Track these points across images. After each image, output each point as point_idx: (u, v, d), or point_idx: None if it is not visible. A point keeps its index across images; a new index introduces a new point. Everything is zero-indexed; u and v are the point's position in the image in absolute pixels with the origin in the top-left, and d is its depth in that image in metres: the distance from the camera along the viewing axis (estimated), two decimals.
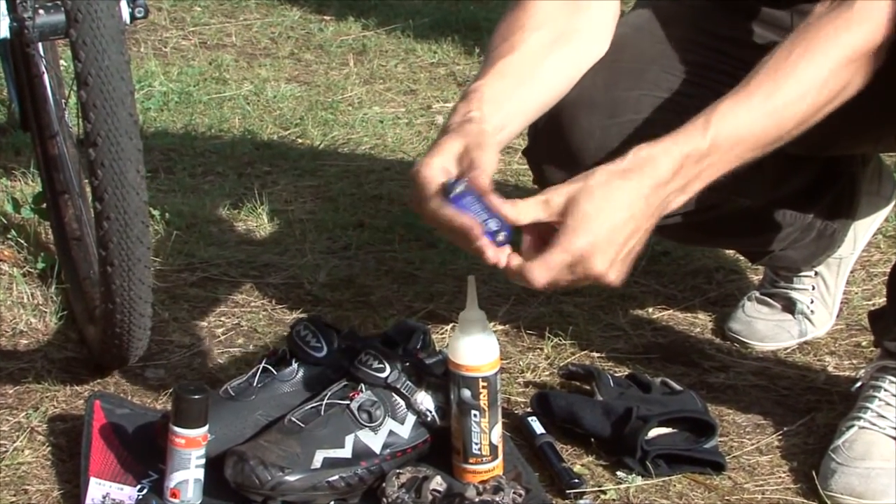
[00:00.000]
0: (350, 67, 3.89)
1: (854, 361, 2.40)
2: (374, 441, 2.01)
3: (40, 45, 2.50)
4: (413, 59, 3.96)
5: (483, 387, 2.00)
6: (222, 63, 3.89)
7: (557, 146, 2.13)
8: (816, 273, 2.47)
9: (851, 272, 2.57)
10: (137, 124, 2.01)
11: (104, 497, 1.95)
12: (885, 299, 2.19)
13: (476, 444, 2.01)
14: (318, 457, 1.97)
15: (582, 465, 2.11)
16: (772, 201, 2.33)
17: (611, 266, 1.80)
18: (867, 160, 2.44)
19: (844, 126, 2.22)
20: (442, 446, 2.06)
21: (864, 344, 2.44)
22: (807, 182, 2.36)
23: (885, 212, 2.53)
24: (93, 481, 1.97)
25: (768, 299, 2.49)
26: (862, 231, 2.49)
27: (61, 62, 2.75)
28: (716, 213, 2.20)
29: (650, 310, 2.59)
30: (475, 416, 2.00)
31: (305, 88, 3.73)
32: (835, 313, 2.51)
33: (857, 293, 2.62)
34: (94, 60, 1.96)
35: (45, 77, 2.55)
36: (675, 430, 2.14)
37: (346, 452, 1.99)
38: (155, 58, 3.89)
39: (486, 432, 2.01)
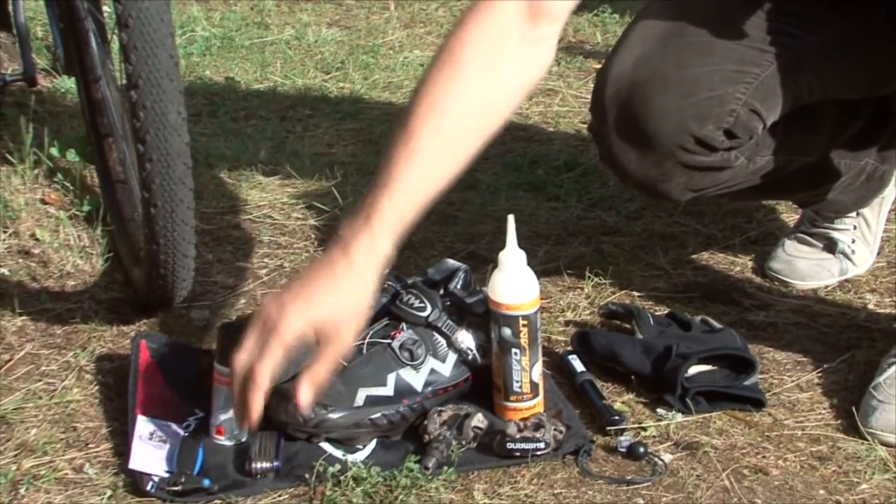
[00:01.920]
0: (391, 11, 3.87)
1: (894, 299, 2.38)
2: (416, 379, 2.01)
3: None
4: (453, 3, 3.94)
5: (523, 325, 2.00)
6: (264, 8, 3.88)
7: (630, 127, 2.10)
8: (858, 213, 2.45)
9: (891, 210, 2.55)
10: (178, 66, 2.01)
11: (151, 434, 1.96)
12: None
13: (517, 381, 2.01)
14: (361, 395, 1.98)
15: (622, 403, 2.10)
16: (830, 152, 2.32)
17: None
18: None
19: (894, 67, 2.20)
20: (483, 384, 2.06)
21: None
22: (859, 127, 2.33)
23: None
24: (140, 418, 1.98)
25: (809, 238, 2.47)
26: None
27: (105, 8, 2.74)
28: (782, 174, 2.18)
29: (690, 249, 2.57)
30: (516, 354, 2.00)
31: (346, 33, 3.72)
32: (875, 251, 2.50)
33: None
34: (134, 3, 1.96)
35: (88, 21, 2.55)
36: (714, 368, 2.13)
37: (388, 390, 2.00)
38: (197, 3, 3.89)
39: (527, 370, 2.01)
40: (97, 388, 2.14)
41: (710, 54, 2.04)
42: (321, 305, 1.72)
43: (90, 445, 2.01)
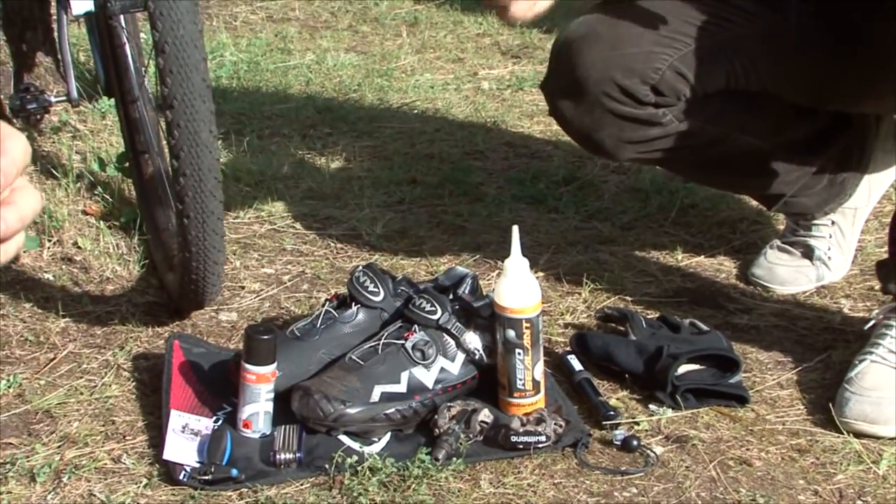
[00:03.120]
0: (403, 38, 3.87)
1: (867, 304, 2.37)
2: (427, 377, 2.00)
3: (122, 17, 2.49)
4: (461, 31, 3.93)
5: (526, 327, 1.99)
6: (287, 35, 3.87)
7: (565, 77, 2.16)
8: (833, 222, 2.45)
9: (866, 222, 2.54)
10: (210, 88, 2.01)
11: (184, 427, 1.95)
12: (888, 248, 2.16)
13: (520, 379, 2.00)
14: (377, 391, 1.97)
15: (617, 399, 2.09)
16: (777, 146, 2.32)
17: None
18: (880, 120, 2.41)
19: (841, 84, 2.21)
20: (489, 382, 2.05)
21: (876, 288, 2.40)
22: (812, 131, 2.34)
23: None
24: (173, 413, 1.98)
25: (788, 247, 2.46)
26: (877, 184, 2.46)
27: (142, 35, 2.74)
28: (723, 149, 2.18)
29: (679, 257, 2.56)
30: (519, 354, 1.99)
31: (363, 57, 3.71)
32: (850, 259, 2.48)
33: (870, 241, 2.58)
34: (170, 30, 1.96)
35: (127, 47, 2.54)
36: (702, 367, 2.12)
37: (401, 387, 1.99)
38: (226, 30, 3.88)
39: (530, 369, 2.00)
40: (134, 384, 2.13)
41: (644, 21, 2.08)
42: None
43: (127, 437, 2.00)
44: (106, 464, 1.93)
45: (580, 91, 2.14)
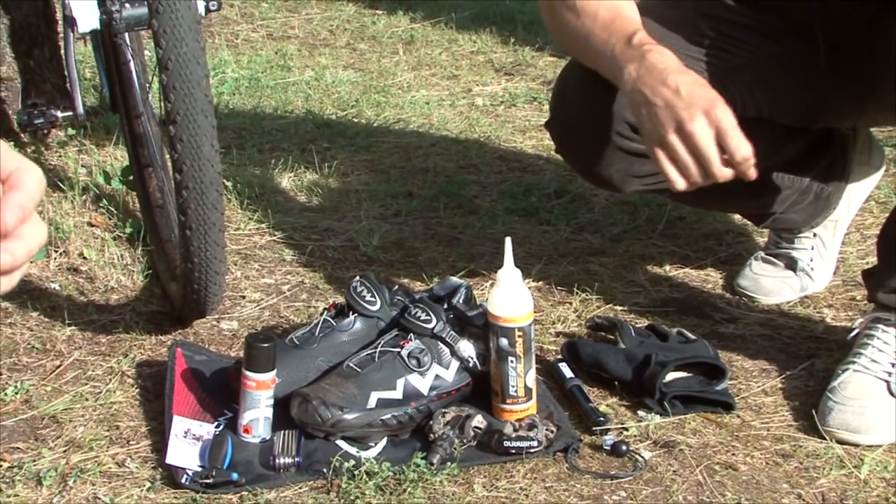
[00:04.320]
0: (399, 55, 3.87)
1: (849, 313, 2.38)
2: (423, 384, 2.01)
3: (126, 35, 2.50)
4: (455, 48, 3.94)
5: (519, 336, 1.99)
6: (287, 52, 3.88)
7: (571, 118, 2.13)
8: (815, 234, 2.45)
9: (847, 234, 2.55)
10: (212, 104, 2.01)
11: (186, 432, 1.96)
12: (876, 258, 2.17)
13: (513, 386, 2.00)
14: (373, 398, 1.97)
15: (607, 406, 2.10)
16: (771, 166, 2.32)
17: None
18: (857, 133, 2.42)
19: (832, 104, 2.22)
20: (482, 389, 2.05)
21: (858, 298, 2.41)
22: (802, 149, 2.34)
23: (875, 178, 2.51)
24: (176, 418, 1.98)
25: (772, 258, 2.47)
26: (856, 196, 2.47)
27: (146, 52, 2.75)
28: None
29: (667, 268, 2.57)
30: (512, 361, 1.99)
31: (360, 74, 3.72)
32: (832, 270, 2.49)
33: (852, 252, 2.59)
34: (173, 48, 1.96)
35: (131, 64, 2.55)
36: (689, 374, 2.12)
37: (397, 394, 1.99)
38: (227, 48, 3.88)
39: (522, 376, 2.00)
40: (137, 391, 2.14)
41: None
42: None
43: (131, 442, 2.00)
44: (110, 468, 1.93)
45: (588, 130, 2.12)
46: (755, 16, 2.20)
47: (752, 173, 1.90)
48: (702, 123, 1.87)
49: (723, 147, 1.88)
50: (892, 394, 2.02)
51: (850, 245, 2.61)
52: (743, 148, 1.88)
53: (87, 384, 2.15)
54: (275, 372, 1.96)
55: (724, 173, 1.89)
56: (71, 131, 3.01)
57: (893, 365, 2.04)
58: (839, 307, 2.41)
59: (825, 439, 2.00)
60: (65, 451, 1.97)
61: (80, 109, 2.51)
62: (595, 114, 2.10)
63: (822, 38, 2.19)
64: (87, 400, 2.11)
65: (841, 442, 1.99)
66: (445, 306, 2.08)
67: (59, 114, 2.59)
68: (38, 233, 0.89)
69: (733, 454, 1.98)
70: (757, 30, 2.20)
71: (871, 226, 2.68)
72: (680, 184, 1.92)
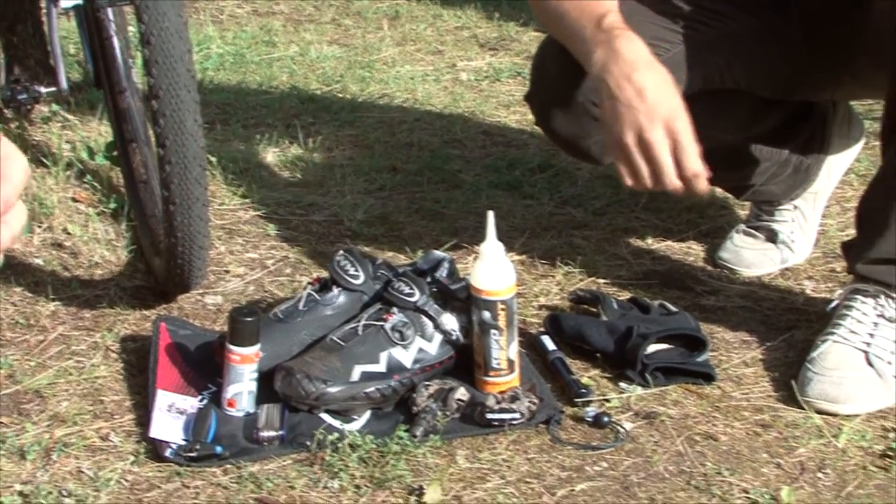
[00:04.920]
0: (384, 31, 3.86)
1: (829, 285, 2.38)
2: (406, 357, 2.01)
3: (109, 10, 2.48)
4: (440, 24, 3.93)
5: (501, 309, 1.99)
6: (272, 28, 3.86)
7: (550, 89, 2.12)
8: (796, 207, 2.45)
9: (827, 206, 2.55)
10: (195, 78, 2.00)
11: (170, 406, 1.95)
12: (855, 231, 2.17)
13: (495, 359, 2.00)
14: (357, 371, 1.97)
15: (589, 378, 2.10)
16: (750, 138, 2.32)
17: None
18: (836, 106, 2.42)
19: (809, 75, 2.22)
20: (465, 362, 2.05)
21: (838, 270, 2.41)
22: (780, 121, 2.35)
23: (855, 150, 2.51)
24: (160, 393, 1.97)
25: (753, 231, 2.47)
26: (836, 168, 2.47)
27: (129, 27, 2.73)
28: (700, 149, 2.18)
29: (649, 241, 2.57)
30: (494, 334, 1.99)
31: (345, 50, 3.70)
32: (812, 242, 2.49)
33: (832, 225, 2.59)
34: (155, 22, 1.95)
35: (114, 39, 2.53)
36: (671, 346, 2.12)
37: (380, 367, 1.99)
38: (212, 24, 3.86)
39: (504, 349, 2.00)
40: (122, 365, 2.13)
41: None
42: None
43: (115, 416, 2.00)
44: (94, 442, 1.93)
45: (567, 101, 2.11)
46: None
47: (703, 188, 1.94)
48: (660, 134, 1.89)
49: (677, 160, 1.89)
50: (870, 364, 2.03)
51: (831, 217, 2.61)
52: (695, 164, 1.91)
53: (71, 359, 2.14)
54: (259, 346, 1.96)
55: (675, 185, 1.93)
56: (55, 107, 3.00)
57: (872, 335, 2.04)
58: (819, 279, 2.41)
59: (804, 409, 2.00)
60: (49, 426, 1.96)
61: (64, 85, 2.50)
62: (573, 86, 2.10)
63: (797, 11, 2.19)
64: (70, 374, 2.10)
65: (820, 412, 2.00)
66: (429, 280, 2.07)
67: (43, 89, 2.57)
68: (20, 215, 0.91)
69: (714, 425, 1.99)
70: (733, 2, 2.20)
71: (851, 198, 2.68)
72: (630, 182, 1.95)
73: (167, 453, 1.87)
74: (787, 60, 2.22)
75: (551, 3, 2.03)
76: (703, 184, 1.93)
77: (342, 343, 2.00)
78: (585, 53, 1.96)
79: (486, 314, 1.99)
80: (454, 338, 2.04)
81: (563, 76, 2.10)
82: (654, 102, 1.89)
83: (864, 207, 2.11)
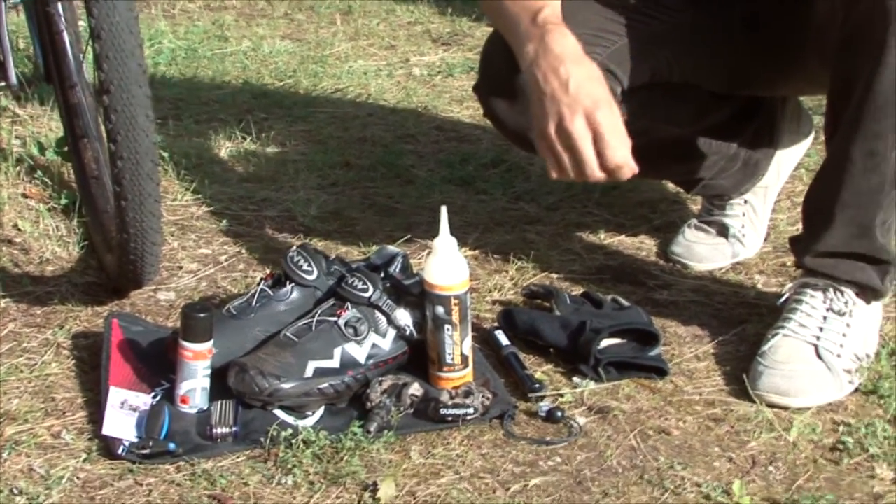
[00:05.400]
0: (337, 26, 3.85)
1: (780, 279, 2.40)
2: (359, 352, 2.00)
3: (59, 4, 2.46)
4: (393, 19, 3.92)
5: (455, 304, 1.99)
6: (224, 23, 3.84)
7: (498, 80, 2.12)
8: (746, 201, 2.47)
9: (777, 201, 2.57)
10: (146, 73, 1.99)
11: (122, 403, 1.94)
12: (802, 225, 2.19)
13: (449, 354, 2.00)
14: (310, 367, 1.96)
15: (542, 373, 2.10)
16: (698, 132, 2.34)
17: None
18: (785, 101, 2.44)
19: (755, 70, 2.24)
20: (419, 357, 2.05)
21: (788, 264, 2.43)
22: (728, 116, 2.37)
23: (804, 145, 2.53)
24: (112, 389, 1.96)
25: (705, 226, 2.48)
26: (785, 163, 2.49)
27: (80, 22, 2.71)
28: (647, 140, 2.19)
29: (602, 236, 2.57)
30: (448, 330, 1.99)
31: (298, 45, 3.69)
32: (763, 237, 2.51)
33: (782, 220, 2.61)
34: (106, 16, 1.94)
35: (64, 34, 2.51)
36: (623, 341, 2.13)
37: (334, 363, 1.98)
38: (164, 18, 3.84)
39: (458, 344, 2.00)
40: (73, 362, 2.11)
41: (571, 19, 2.03)
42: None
43: (67, 414, 1.98)
44: (46, 439, 1.91)
45: (514, 92, 2.12)
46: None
47: (625, 175, 1.94)
48: (581, 124, 1.90)
49: (599, 150, 1.90)
50: (820, 357, 2.04)
51: (781, 212, 2.63)
52: (617, 155, 1.91)
53: (22, 356, 2.12)
54: (212, 342, 1.95)
55: (595, 175, 1.93)
56: (4, 102, 2.96)
57: (821, 329, 2.06)
58: (770, 273, 2.43)
59: (756, 403, 2.02)
60: None
61: (14, 80, 2.47)
62: (520, 77, 2.10)
63: (741, 6, 2.21)
64: (22, 372, 2.08)
65: (771, 405, 2.01)
66: (382, 275, 2.07)
67: None
68: None
69: (666, 419, 2.00)
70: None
71: (800, 193, 2.69)
72: (555, 174, 1.97)
73: (120, 450, 1.86)
74: (734, 55, 2.23)
75: None
76: (625, 174, 1.93)
77: (296, 339, 1.99)
78: (518, 47, 1.97)
79: (440, 309, 1.99)
80: (408, 333, 2.04)
81: (510, 68, 2.10)
82: (576, 93, 1.90)
83: (810, 201, 2.13)
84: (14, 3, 2.35)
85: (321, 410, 1.97)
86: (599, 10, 2.17)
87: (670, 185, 2.71)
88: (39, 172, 2.68)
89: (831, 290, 2.07)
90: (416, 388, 1.97)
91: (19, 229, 2.49)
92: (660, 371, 2.10)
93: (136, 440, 1.87)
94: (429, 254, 2.04)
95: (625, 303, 2.22)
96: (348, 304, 2.03)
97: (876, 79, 1.91)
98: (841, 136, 1.99)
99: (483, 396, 1.96)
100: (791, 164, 2.51)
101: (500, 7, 2.02)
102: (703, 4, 2.21)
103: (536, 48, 1.93)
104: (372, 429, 1.90)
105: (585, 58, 1.94)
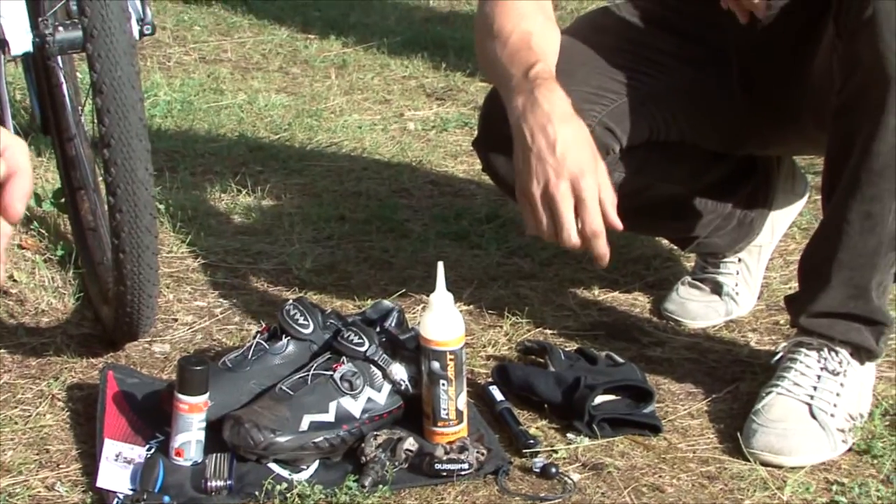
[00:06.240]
0: (332, 80, 3.88)
1: (773, 337, 2.42)
2: (355, 407, 2.01)
3: (59, 58, 2.48)
4: (387, 73, 3.95)
5: (450, 359, 2.00)
6: (219, 76, 3.87)
7: (498, 137, 2.10)
8: (740, 259, 2.49)
9: (771, 259, 2.59)
10: (146, 128, 2.01)
11: (117, 455, 1.94)
12: (797, 284, 2.21)
13: (444, 409, 2.01)
14: (306, 421, 1.97)
15: (537, 428, 2.11)
16: (694, 190, 2.36)
17: None
18: (780, 161, 2.47)
19: (751, 131, 2.27)
20: (414, 412, 2.06)
21: (781, 322, 2.45)
22: (725, 175, 2.39)
23: (799, 206, 2.55)
24: (107, 442, 1.97)
25: (699, 283, 2.50)
26: (779, 222, 2.52)
27: (77, 74, 2.73)
28: (644, 198, 2.21)
29: (596, 292, 2.59)
30: (443, 385, 2.00)
31: (293, 98, 3.72)
32: (756, 295, 2.53)
33: (775, 278, 2.63)
34: (108, 71, 1.96)
35: (64, 86, 2.53)
36: (617, 397, 2.14)
37: (329, 417, 1.99)
38: (160, 71, 3.87)
39: (453, 399, 2.01)
40: (68, 414, 2.12)
41: (571, 77, 2.05)
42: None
43: (61, 466, 1.98)
44: (40, 492, 1.92)
45: (512, 148, 2.14)
46: (677, 42, 2.24)
47: (600, 251, 1.93)
48: (565, 189, 1.90)
49: (580, 216, 1.91)
50: (813, 416, 2.05)
51: (774, 270, 2.65)
52: (595, 224, 1.91)
53: (16, 407, 2.13)
54: (207, 395, 1.96)
55: (572, 242, 1.93)
56: None
57: (815, 388, 2.07)
58: (763, 331, 2.45)
59: (749, 461, 2.03)
60: None
61: (11, 131, 2.49)
62: None
63: (738, 67, 2.24)
64: (16, 423, 2.09)
65: (765, 464, 2.02)
66: (378, 330, 2.08)
67: None
68: (7, 230, 1.01)
69: (660, 476, 2.01)
70: (678, 56, 2.24)
71: (793, 251, 2.72)
72: (531, 231, 1.98)
73: (114, 503, 1.86)
74: (731, 115, 2.27)
75: (490, 46, 2.06)
76: (601, 246, 1.93)
77: (291, 392, 2.00)
78: (508, 100, 1.99)
79: (436, 364, 2.00)
80: (403, 388, 2.05)
81: (510, 124, 2.13)
82: (563, 157, 1.91)
83: (807, 261, 2.15)
84: (13, 56, 2.37)
85: (316, 464, 1.98)
86: (599, 68, 2.20)
87: (664, 242, 2.73)
88: (35, 224, 2.69)
89: (826, 349, 2.09)
90: (410, 443, 1.98)
91: (15, 280, 2.50)
92: (654, 428, 2.11)
93: (130, 493, 1.88)
94: (424, 308, 2.06)
95: (619, 359, 2.23)
96: (344, 359, 2.04)
97: (874, 142, 1.94)
98: (838, 197, 2.02)
99: (478, 452, 1.97)
100: (785, 223, 2.54)
101: (494, 60, 2.05)
102: (702, 65, 2.24)
103: (525, 102, 1.95)
104: (367, 483, 1.91)
105: (574, 116, 1.96)
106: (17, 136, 1.01)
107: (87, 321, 2.39)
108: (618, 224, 1.94)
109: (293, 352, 2.10)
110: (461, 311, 2.06)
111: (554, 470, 1.97)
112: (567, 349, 2.29)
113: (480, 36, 2.10)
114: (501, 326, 2.43)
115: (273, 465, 1.95)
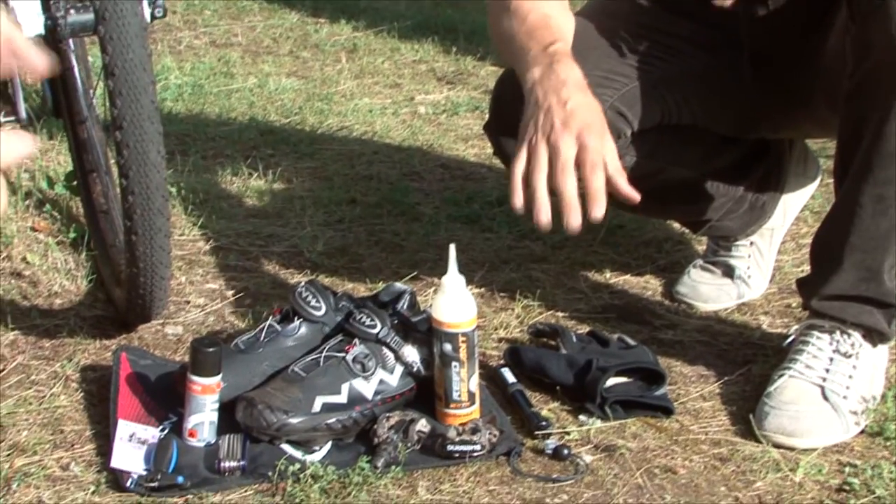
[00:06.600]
0: (342, 64, 3.88)
1: (785, 320, 2.42)
2: (367, 388, 2.02)
3: (71, 40, 2.49)
4: (398, 57, 3.96)
5: (462, 341, 2.01)
6: (230, 59, 3.88)
7: (510, 120, 2.08)
8: (752, 242, 2.49)
9: (782, 242, 2.59)
10: (158, 110, 2.01)
11: (131, 436, 1.95)
12: (809, 267, 2.21)
13: (456, 391, 2.02)
14: (318, 402, 1.98)
15: (549, 410, 2.12)
16: (706, 174, 2.36)
17: None
18: (793, 144, 2.47)
19: (763, 115, 2.27)
20: (426, 393, 2.06)
21: (793, 305, 2.45)
22: (737, 158, 2.39)
23: (811, 188, 2.55)
24: (121, 422, 1.97)
25: (710, 266, 2.50)
26: (791, 205, 2.52)
27: (89, 57, 2.74)
28: (657, 181, 2.21)
29: (608, 275, 2.59)
30: (455, 366, 2.01)
31: (303, 82, 3.72)
32: (768, 278, 2.53)
33: (787, 261, 2.63)
34: (120, 54, 1.96)
35: (76, 69, 2.54)
36: (629, 380, 2.15)
37: (342, 398, 2.00)
38: (170, 55, 3.88)
39: (465, 381, 2.02)
40: (82, 395, 2.13)
41: (584, 61, 2.03)
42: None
43: (75, 446, 1.99)
44: (55, 471, 1.93)
45: None
46: (689, 26, 2.24)
47: (593, 214, 1.88)
48: (569, 141, 1.87)
49: (579, 174, 1.88)
50: (826, 398, 2.06)
51: (786, 253, 2.65)
52: (597, 182, 1.86)
53: (30, 388, 2.14)
54: (220, 376, 1.96)
55: (567, 196, 1.87)
56: None
57: (827, 370, 2.08)
58: (775, 314, 2.45)
59: (762, 443, 2.03)
60: (8, 455, 1.96)
61: (23, 114, 2.49)
62: None
63: (749, 51, 2.24)
64: (30, 404, 2.10)
65: (777, 446, 2.02)
66: (390, 312, 2.09)
67: (1, 119, 2.57)
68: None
69: (672, 458, 2.01)
70: (690, 40, 2.24)
71: (805, 235, 2.73)
72: (517, 203, 1.93)
73: (128, 483, 1.87)
74: (743, 98, 2.27)
75: (507, 23, 2.06)
76: (598, 209, 1.87)
77: (303, 374, 2.01)
78: (524, 71, 1.98)
79: (448, 346, 2.01)
80: (415, 370, 2.06)
81: (521, 107, 2.13)
82: (573, 112, 1.88)
83: (819, 244, 2.15)
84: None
85: (328, 445, 1.98)
86: (611, 52, 2.20)
87: (676, 226, 2.74)
88: (48, 206, 2.70)
89: (838, 332, 2.09)
90: (423, 425, 1.99)
91: (28, 262, 2.51)
92: (666, 410, 2.12)
93: (144, 473, 1.89)
94: (436, 291, 2.06)
95: (631, 342, 2.24)
96: (356, 340, 2.04)
97: (886, 125, 1.94)
98: (850, 180, 2.02)
99: (490, 433, 1.98)
100: (797, 206, 2.54)
101: (511, 35, 2.04)
102: (715, 49, 2.24)
103: (542, 71, 1.94)
104: (379, 464, 1.92)
105: (589, 91, 1.95)
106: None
107: (99, 303, 2.40)
108: (632, 194, 1.90)
109: (305, 334, 2.10)
110: (473, 294, 2.06)
111: (566, 451, 1.98)
112: (579, 331, 2.29)
113: (495, 12, 2.10)
114: (513, 309, 2.44)
115: (286, 446, 1.96)
